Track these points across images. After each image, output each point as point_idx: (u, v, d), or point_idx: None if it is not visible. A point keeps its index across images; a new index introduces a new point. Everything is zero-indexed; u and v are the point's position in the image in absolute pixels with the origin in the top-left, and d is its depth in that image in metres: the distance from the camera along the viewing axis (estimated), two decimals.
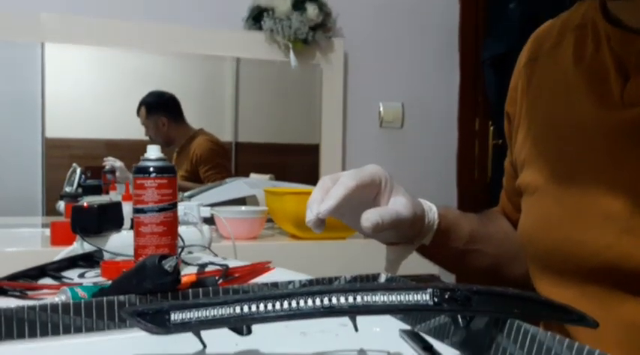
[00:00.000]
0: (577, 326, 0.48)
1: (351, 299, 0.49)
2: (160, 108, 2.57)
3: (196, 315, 0.51)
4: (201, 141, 2.58)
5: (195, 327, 0.51)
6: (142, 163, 0.91)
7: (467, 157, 2.87)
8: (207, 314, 0.51)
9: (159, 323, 0.52)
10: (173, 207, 0.91)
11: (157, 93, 2.57)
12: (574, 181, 0.64)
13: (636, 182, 0.58)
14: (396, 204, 0.67)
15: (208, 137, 2.61)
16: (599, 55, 0.64)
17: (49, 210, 2.35)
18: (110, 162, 2.25)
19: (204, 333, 0.53)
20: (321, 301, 0.49)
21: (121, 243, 1.07)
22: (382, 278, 0.69)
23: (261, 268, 0.85)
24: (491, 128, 2.88)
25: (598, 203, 0.61)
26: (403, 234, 0.72)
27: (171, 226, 0.91)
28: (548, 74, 0.73)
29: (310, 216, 0.63)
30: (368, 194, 0.67)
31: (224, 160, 2.61)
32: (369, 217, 0.62)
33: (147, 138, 2.50)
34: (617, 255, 0.58)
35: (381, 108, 2.78)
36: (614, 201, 0.59)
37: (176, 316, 0.51)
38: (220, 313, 0.50)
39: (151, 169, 0.90)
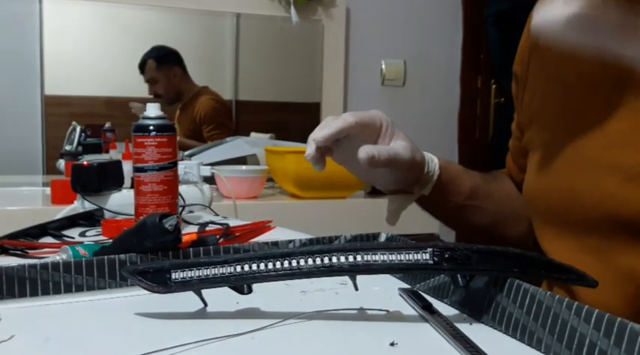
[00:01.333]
0: (577, 285, 0.49)
1: (351, 258, 0.49)
2: (171, 58, 2.53)
3: (197, 274, 0.51)
4: (205, 100, 2.55)
5: (196, 286, 0.52)
6: (141, 121, 0.90)
7: (468, 116, 2.85)
8: (208, 273, 0.51)
9: (160, 281, 0.52)
10: (173, 165, 0.91)
11: (161, 46, 2.53)
12: (578, 132, 0.64)
13: (638, 130, 0.59)
14: (395, 145, 0.69)
15: (213, 96, 2.58)
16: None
17: (50, 168, 2.35)
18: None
19: (205, 292, 0.53)
20: (322, 260, 0.49)
21: (121, 201, 1.07)
22: (382, 238, 0.69)
23: (261, 227, 0.86)
24: (494, 86, 2.86)
25: (601, 152, 0.61)
26: (401, 178, 0.73)
27: (171, 185, 0.91)
28: None
29: (309, 149, 0.66)
30: (368, 135, 0.69)
31: (227, 120, 2.58)
32: (366, 149, 0.64)
33: (147, 96, 2.47)
34: (619, 203, 0.58)
35: (383, 66, 2.76)
36: (617, 150, 0.60)
37: (177, 275, 0.51)
38: (221, 272, 0.51)
39: (151, 127, 0.89)
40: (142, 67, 2.50)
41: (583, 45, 0.65)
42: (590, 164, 0.62)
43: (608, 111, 0.61)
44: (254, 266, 0.50)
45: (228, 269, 0.51)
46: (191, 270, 0.51)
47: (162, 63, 2.51)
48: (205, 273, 0.51)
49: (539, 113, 0.73)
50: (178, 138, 1.92)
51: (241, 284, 0.52)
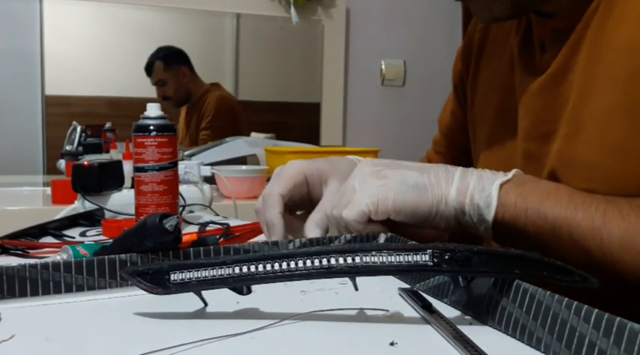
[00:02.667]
0: (578, 286, 0.49)
1: (350, 259, 0.49)
2: (179, 58, 2.51)
3: (196, 276, 0.51)
4: (212, 99, 2.52)
5: (195, 287, 0.52)
6: (141, 121, 0.90)
7: None
8: (207, 274, 0.51)
9: (159, 283, 0.52)
10: (174, 165, 0.91)
11: (167, 46, 2.51)
12: (506, 128, 0.78)
13: (530, 128, 0.73)
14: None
15: (220, 95, 2.56)
16: (531, 38, 0.76)
17: (50, 168, 2.36)
18: None
19: (204, 292, 0.53)
20: (321, 261, 0.49)
21: (121, 201, 1.07)
22: (382, 239, 0.69)
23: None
24: None
25: (521, 144, 0.74)
26: None
27: (171, 185, 0.91)
28: (494, 53, 0.85)
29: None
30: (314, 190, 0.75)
31: (226, 122, 2.53)
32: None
33: (148, 96, 2.46)
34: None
35: (383, 66, 2.76)
36: (528, 142, 0.73)
37: (176, 276, 0.52)
38: (220, 273, 0.51)
39: (151, 127, 0.89)
40: (149, 69, 2.48)
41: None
42: (514, 154, 0.75)
43: (520, 114, 0.75)
44: (253, 268, 0.50)
45: (227, 271, 0.51)
46: (190, 272, 0.51)
47: (169, 63, 2.49)
48: (204, 275, 0.51)
49: (481, 112, 0.86)
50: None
51: (240, 286, 0.52)
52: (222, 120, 2.52)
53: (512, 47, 0.79)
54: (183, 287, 0.52)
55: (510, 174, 0.64)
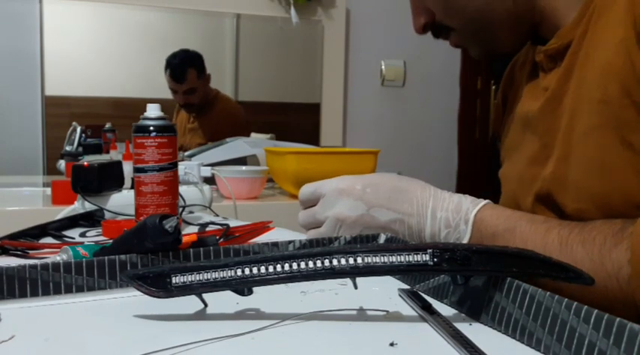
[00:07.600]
0: (573, 283, 0.49)
1: (351, 260, 0.49)
2: (203, 64, 2.44)
3: (198, 278, 0.51)
4: (228, 107, 2.46)
5: (197, 290, 0.52)
6: (141, 122, 0.90)
7: (468, 116, 2.85)
8: (209, 276, 0.51)
9: (160, 286, 0.52)
10: (174, 166, 0.91)
11: (194, 52, 2.41)
12: (518, 152, 0.81)
13: (533, 152, 0.75)
14: None
15: (232, 104, 2.52)
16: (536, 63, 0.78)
17: (50, 168, 2.36)
18: None
19: (204, 293, 0.53)
20: (322, 263, 0.49)
21: (121, 202, 1.07)
22: (382, 239, 0.69)
23: (261, 228, 0.86)
24: (493, 87, 2.85)
25: (525, 169, 0.76)
26: None
27: (171, 186, 0.91)
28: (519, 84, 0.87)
29: None
30: None
31: (242, 129, 2.52)
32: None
33: (148, 97, 2.44)
34: (538, 203, 0.73)
35: (383, 67, 2.76)
36: (530, 167, 0.75)
37: (177, 279, 0.52)
38: (222, 276, 0.51)
39: (151, 128, 0.89)
40: (181, 76, 2.36)
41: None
42: (522, 177, 0.77)
43: (525, 138, 0.78)
44: (255, 270, 0.50)
45: (228, 273, 0.51)
46: (191, 274, 0.51)
47: (201, 71, 2.40)
48: (206, 277, 0.51)
49: (504, 135, 0.90)
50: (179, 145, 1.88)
51: (242, 288, 0.52)
52: (238, 126, 2.49)
53: (524, 72, 0.83)
54: (185, 290, 0.52)
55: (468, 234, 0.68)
